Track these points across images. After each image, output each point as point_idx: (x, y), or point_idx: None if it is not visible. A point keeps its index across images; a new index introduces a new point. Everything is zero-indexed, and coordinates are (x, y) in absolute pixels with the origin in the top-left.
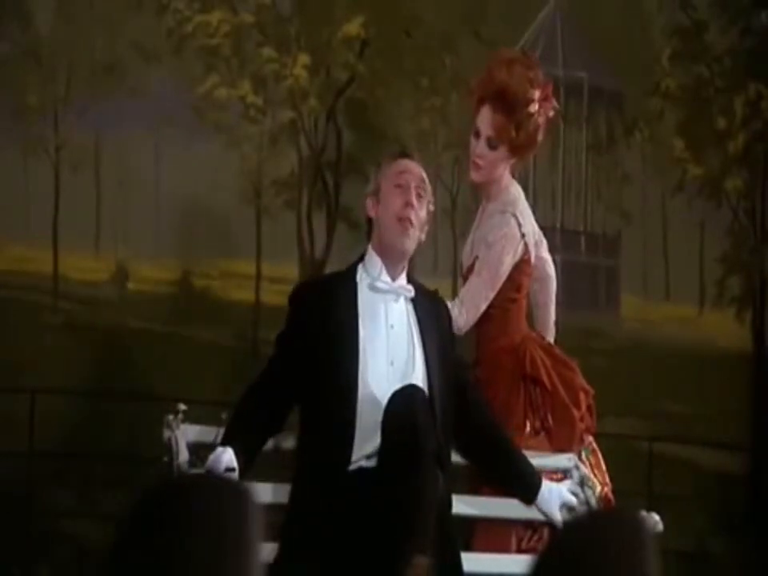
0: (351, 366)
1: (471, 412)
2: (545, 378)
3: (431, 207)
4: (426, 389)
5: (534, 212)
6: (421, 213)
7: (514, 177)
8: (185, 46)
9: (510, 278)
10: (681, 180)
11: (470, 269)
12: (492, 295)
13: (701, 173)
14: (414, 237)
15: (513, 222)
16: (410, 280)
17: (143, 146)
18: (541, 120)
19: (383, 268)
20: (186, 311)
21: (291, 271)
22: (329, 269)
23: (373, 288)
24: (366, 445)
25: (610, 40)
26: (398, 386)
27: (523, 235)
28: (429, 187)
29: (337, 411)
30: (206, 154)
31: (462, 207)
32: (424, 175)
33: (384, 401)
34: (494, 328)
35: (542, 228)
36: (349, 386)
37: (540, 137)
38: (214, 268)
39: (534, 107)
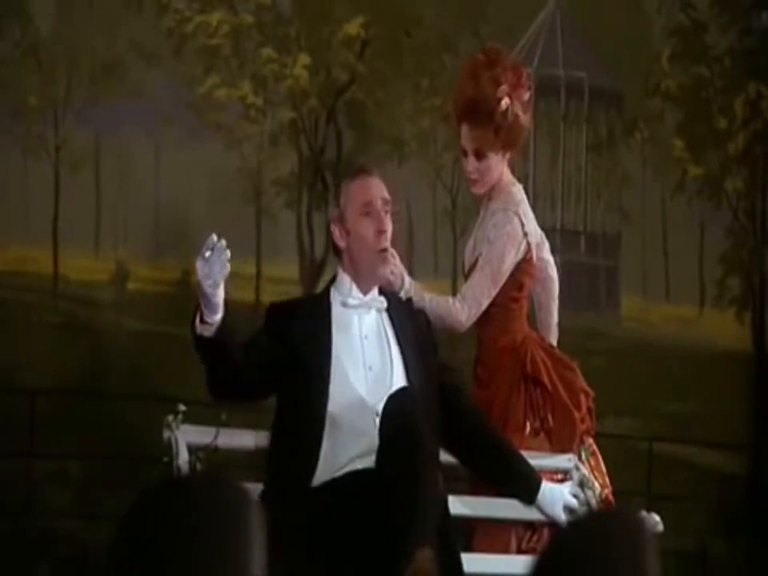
0: (323, 372)
1: (464, 416)
2: (545, 379)
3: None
4: None
5: (533, 212)
6: (390, 230)
7: (513, 173)
8: (185, 46)
9: (512, 276)
10: (681, 180)
11: (473, 267)
12: (494, 292)
13: (701, 173)
14: (388, 258)
15: (516, 220)
16: (382, 291)
17: (143, 146)
18: (517, 108)
19: (353, 285)
20: (186, 311)
21: (291, 271)
22: (329, 269)
23: (345, 305)
24: (353, 445)
25: (610, 40)
26: (378, 388)
27: (525, 234)
28: (390, 198)
29: (306, 420)
30: (206, 154)
31: (462, 207)
32: (384, 189)
33: (366, 401)
34: (495, 327)
35: (542, 228)
36: (320, 391)
37: (524, 122)
38: None
39: (506, 102)
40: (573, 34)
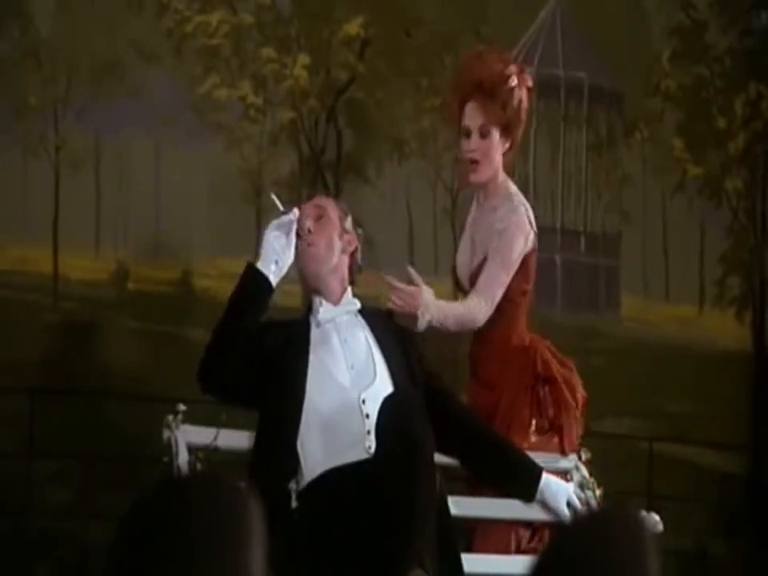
0: (300, 374)
1: (460, 420)
2: (558, 377)
3: (349, 227)
4: (391, 386)
5: (533, 212)
6: (325, 232)
7: (511, 176)
8: (185, 46)
9: (521, 268)
10: (681, 180)
11: (479, 268)
12: (507, 281)
13: (701, 173)
14: (319, 256)
15: (521, 209)
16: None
17: (143, 146)
18: (522, 93)
19: (321, 300)
20: (186, 311)
21: (291, 271)
22: None
23: (319, 325)
24: (343, 436)
25: (610, 40)
26: (361, 379)
27: (530, 223)
28: (334, 211)
29: (285, 417)
30: (206, 154)
31: (462, 207)
32: (322, 201)
33: (349, 390)
34: (505, 325)
35: (541, 228)
36: (297, 387)
37: (525, 112)
38: (214, 268)
39: (514, 81)
40: (573, 34)
